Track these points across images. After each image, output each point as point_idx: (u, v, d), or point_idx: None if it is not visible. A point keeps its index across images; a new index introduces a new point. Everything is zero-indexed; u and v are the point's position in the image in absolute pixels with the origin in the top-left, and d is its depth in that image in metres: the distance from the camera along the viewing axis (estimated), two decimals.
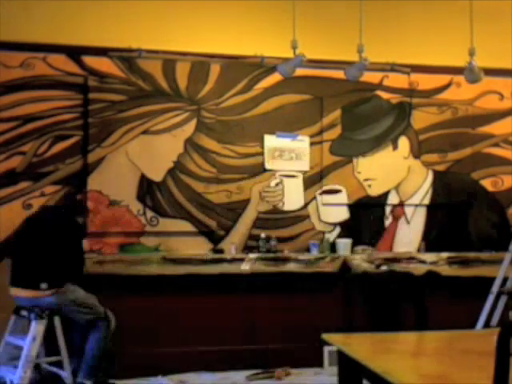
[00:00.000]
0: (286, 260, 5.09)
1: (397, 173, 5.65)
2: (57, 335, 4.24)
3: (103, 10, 5.12)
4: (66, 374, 4.23)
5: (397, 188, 5.64)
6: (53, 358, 4.32)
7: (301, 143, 5.46)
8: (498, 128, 5.81)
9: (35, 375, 4.35)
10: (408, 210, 5.64)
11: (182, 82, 5.28)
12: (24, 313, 4.28)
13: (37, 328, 4.15)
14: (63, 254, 4.32)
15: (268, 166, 5.41)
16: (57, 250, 4.30)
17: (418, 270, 5.13)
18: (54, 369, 4.33)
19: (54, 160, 5.05)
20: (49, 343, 4.34)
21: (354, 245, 5.36)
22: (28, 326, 4.26)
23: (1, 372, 4.32)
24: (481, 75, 4.78)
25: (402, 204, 5.64)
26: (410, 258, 5.30)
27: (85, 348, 4.31)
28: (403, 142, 5.68)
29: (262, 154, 5.40)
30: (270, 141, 5.41)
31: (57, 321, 4.24)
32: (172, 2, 5.26)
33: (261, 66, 5.36)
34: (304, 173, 5.46)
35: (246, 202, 5.34)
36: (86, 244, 4.66)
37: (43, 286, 4.21)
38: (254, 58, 5.35)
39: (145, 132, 5.21)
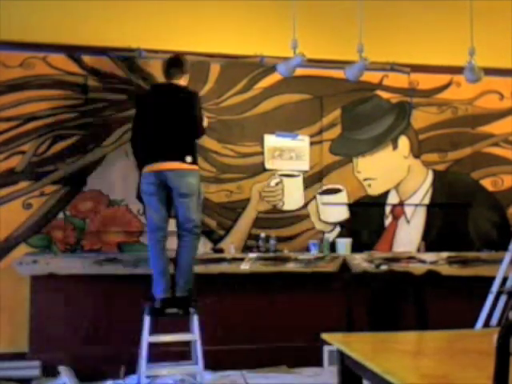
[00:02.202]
0: (285, 260, 5.09)
1: (397, 172, 5.65)
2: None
3: (103, 9, 5.12)
4: None
5: (397, 188, 5.64)
6: None
7: (301, 143, 5.46)
8: (497, 128, 5.82)
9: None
10: (408, 210, 5.64)
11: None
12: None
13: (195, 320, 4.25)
14: (192, 125, 4.26)
15: (268, 165, 5.41)
16: (189, 122, 4.23)
17: (418, 269, 5.13)
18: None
19: (54, 159, 5.05)
20: None
21: (353, 244, 5.36)
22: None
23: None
24: (481, 75, 4.78)
25: (401, 204, 5.64)
26: (410, 258, 5.30)
27: (178, 261, 4.32)
28: (403, 142, 5.68)
29: (261, 153, 5.40)
30: (270, 140, 5.41)
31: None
32: (172, 2, 5.26)
33: (261, 66, 5.37)
34: (304, 172, 5.46)
35: (246, 201, 5.34)
36: (86, 242, 4.66)
37: (188, 159, 4.13)
38: (254, 57, 5.35)
39: None
